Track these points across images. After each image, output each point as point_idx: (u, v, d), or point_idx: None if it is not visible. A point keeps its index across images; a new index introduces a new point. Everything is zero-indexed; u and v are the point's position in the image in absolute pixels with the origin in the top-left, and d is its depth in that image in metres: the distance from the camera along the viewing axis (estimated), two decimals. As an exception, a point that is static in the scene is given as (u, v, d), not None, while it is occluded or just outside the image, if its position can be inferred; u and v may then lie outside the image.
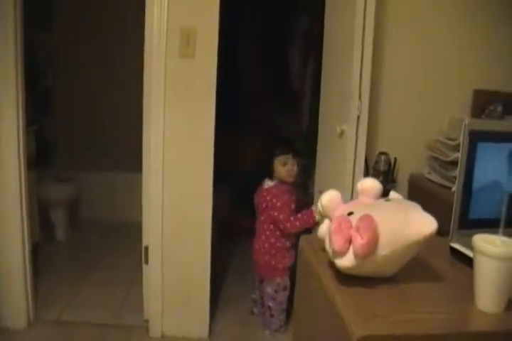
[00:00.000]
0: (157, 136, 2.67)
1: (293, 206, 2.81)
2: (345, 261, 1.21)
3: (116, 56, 4.34)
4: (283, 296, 2.85)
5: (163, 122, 2.66)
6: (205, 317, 2.83)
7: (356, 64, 2.42)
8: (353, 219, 1.25)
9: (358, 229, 1.20)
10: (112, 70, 4.39)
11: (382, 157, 2.78)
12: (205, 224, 2.74)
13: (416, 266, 1.37)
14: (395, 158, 2.81)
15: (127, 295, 3.24)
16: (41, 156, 3.91)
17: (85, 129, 4.51)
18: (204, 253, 2.77)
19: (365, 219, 1.21)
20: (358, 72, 2.43)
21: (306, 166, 4.04)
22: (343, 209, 1.34)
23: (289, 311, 2.87)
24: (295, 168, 2.82)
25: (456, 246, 1.51)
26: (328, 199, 1.40)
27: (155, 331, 2.81)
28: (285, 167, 2.80)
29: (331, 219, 1.34)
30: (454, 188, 2.42)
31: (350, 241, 1.20)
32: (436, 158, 2.71)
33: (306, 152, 3.93)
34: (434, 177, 2.70)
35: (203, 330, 2.83)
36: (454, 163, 2.53)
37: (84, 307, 3.07)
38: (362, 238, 1.18)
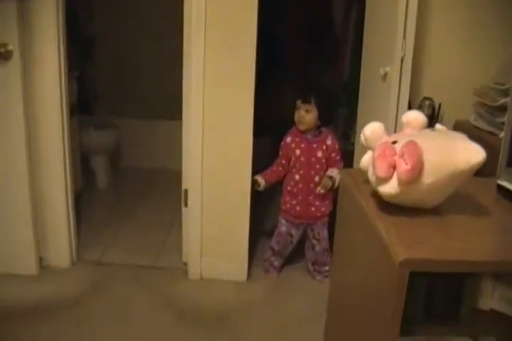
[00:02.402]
0: (197, 83, 2.64)
1: (283, 153, 2.80)
2: (389, 188, 1.18)
3: (156, 3, 4.29)
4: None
5: (203, 69, 2.62)
6: (244, 260, 2.84)
7: (402, 1, 2.33)
8: (397, 148, 1.21)
9: (402, 155, 1.16)
10: (151, 17, 4.35)
11: (427, 102, 2.70)
12: (245, 167, 2.72)
13: (460, 201, 1.33)
14: (440, 104, 2.72)
15: (166, 239, 3.28)
16: (82, 103, 3.94)
17: (125, 76, 4.49)
18: (244, 196, 2.76)
19: (410, 145, 1.17)
20: (404, 10, 2.34)
21: (346, 116, 4.00)
22: (386, 139, 1.31)
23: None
24: (306, 116, 2.71)
25: (504, 183, 1.46)
26: (372, 130, 1.37)
27: (194, 273, 2.84)
28: (296, 112, 2.75)
29: (374, 150, 1.30)
30: (501, 135, 2.35)
31: (394, 168, 1.17)
32: (483, 104, 2.61)
33: (347, 101, 3.88)
34: (481, 124, 2.62)
35: (242, 274, 2.85)
36: (502, 108, 2.45)
37: (124, 250, 3.12)
38: (406, 164, 1.14)
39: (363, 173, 1.35)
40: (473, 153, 1.18)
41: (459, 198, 1.31)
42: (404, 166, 1.14)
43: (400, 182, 1.15)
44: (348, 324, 1.49)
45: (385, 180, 1.18)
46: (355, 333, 1.40)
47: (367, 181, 1.32)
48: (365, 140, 1.37)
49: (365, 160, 1.35)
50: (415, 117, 1.37)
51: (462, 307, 1.20)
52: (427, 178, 1.17)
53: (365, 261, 1.30)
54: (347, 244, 1.53)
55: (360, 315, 1.35)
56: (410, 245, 1.07)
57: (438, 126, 1.39)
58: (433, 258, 1.04)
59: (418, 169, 1.14)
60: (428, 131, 1.33)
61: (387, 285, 1.10)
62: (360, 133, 1.41)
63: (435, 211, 1.26)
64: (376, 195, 1.28)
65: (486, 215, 1.30)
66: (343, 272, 1.58)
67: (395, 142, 1.25)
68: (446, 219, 1.25)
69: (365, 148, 1.39)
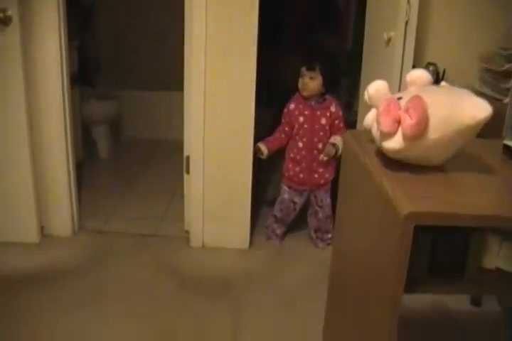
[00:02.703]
0: (198, 52, 2.61)
1: (286, 120, 2.78)
2: (394, 143, 1.16)
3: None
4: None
5: (205, 39, 2.59)
6: (246, 228, 2.83)
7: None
8: (402, 103, 1.19)
9: (407, 110, 1.14)
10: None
11: (431, 67, 2.65)
12: (247, 134, 2.70)
13: (466, 160, 1.32)
14: (444, 70, 2.69)
15: (168, 207, 3.29)
16: (83, 75, 3.91)
17: (126, 47, 4.45)
18: (246, 163, 2.74)
19: (415, 99, 1.15)
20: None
21: (349, 85, 3.96)
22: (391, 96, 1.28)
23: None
24: (310, 83, 2.68)
25: (510, 143, 1.44)
26: (376, 88, 1.35)
27: (196, 241, 2.84)
28: (300, 79, 2.72)
29: (378, 109, 1.28)
30: (506, 100, 2.33)
31: (398, 123, 1.15)
32: (488, 70, 2.59)
33: (349, 70, 3.84)
34: (485, 90, 2.59)
35: (244, 242, 2.85)
36: (507, 74, 2.43)
37: (126, 219, 3.12)
38: (411, 118, 1.12)
39: (367, 133, 1.33)
40: (479, 108, 1.16)
41: (464, 157, 1.29)
42: (408, 121, 1.12)
43: (405, 137, 1.13)
44: (351, 289, 1.48)
45: (390, 135, 1.15)
46: (359, 297, 1.39)
47: (371, 140, 1.30)
48: (369, 98, 1.34)
49: (369, 118, 1.33)
50: (420, 75, 1.34)
51: (467, 266, 1.19)
52: (433, 134, 1.14)
53: (369, 220, 1.29)
54: (350, 208, 1.52)
55: (364, 279, 1.34)
56: (415, 199, 1.06)
57: (443, 83, 1.36)
58: (438, 212, 1.03)
59: (423, 124, 1.12)
60: (434, 87, 1.31)
61: (391, 242, 1.08)
62: (363, 97, 1.39)
63: (441, 168, 1.24)
64: (380, 153, 1.26)
65: (492, 174, 1.29)
66: (346, 237, 1.57)
67: (399, 98, 1.23)
68: (452, 176, 1.23)
69: (368, 107, 1.37)
